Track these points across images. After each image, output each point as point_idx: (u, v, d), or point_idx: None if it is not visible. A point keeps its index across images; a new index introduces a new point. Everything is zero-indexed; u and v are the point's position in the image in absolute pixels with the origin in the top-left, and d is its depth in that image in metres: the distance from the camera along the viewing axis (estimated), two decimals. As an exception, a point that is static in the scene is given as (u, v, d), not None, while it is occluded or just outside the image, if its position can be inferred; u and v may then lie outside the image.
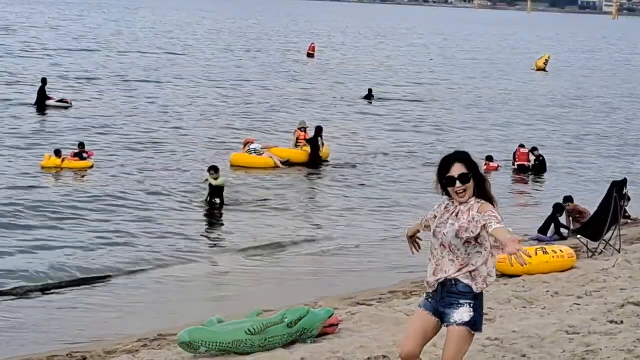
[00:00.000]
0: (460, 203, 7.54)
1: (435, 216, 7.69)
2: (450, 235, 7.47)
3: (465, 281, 7.44)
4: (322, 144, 32.16)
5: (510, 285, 15.55)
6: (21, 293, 16.19)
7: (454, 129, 40.83)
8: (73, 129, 35.05)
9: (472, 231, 7.40)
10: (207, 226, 22.74)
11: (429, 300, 7.62)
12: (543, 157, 32.55)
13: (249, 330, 11.60)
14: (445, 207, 7.65)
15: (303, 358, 10.75)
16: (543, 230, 22.27)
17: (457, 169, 7.52)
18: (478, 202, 7.49)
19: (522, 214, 25.40)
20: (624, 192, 19.63)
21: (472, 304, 7.46)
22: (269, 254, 20.00)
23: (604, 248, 19.33)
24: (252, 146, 31.80)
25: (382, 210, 24.89)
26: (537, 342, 10.87)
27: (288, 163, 31.35)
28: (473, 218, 7.41)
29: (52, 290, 16.51)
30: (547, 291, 14.71)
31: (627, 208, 22.56)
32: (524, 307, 13.57)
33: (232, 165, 30.86)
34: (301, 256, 20.03)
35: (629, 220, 23.92)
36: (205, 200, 24.36)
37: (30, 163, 28.39)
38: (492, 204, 7.52)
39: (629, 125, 45.33)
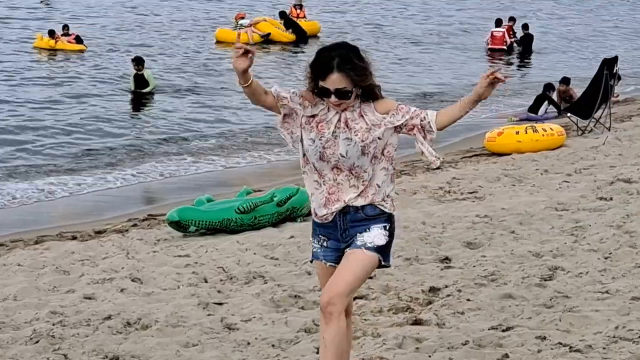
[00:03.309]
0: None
1: (295, 112, 5.60)
2: (355, 154, 5.52)
3: (374, 204, 5.62)
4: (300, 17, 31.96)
5: (500, 164, 15.55)
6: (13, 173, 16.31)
7: None
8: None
9: (379, 137, 5.53)
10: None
11: (326, 245, 5.71)
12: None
13: (238, 209, 11.59)
14: (321, 115, 5.57)
15: (293, 236, 10.76)
16: (533, 109, 22.21)
17: (334, 82, 5.43)
18: (367, 102, 5.57)
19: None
20: (614, 71, 19.49)
21: (387, 227, 5.63)
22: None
23: (594, 126, 19.29)
24: (241, 21, 31.63)
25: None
26: (527, 219, 10.89)
27: (268, 39, 31.13)
28: (375, 124, 5.53)
29: (43, 173, 16.60)
30: (537, 169, 14.71)
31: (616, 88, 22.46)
32: (514, 185, 13.58)
33: (217, 42, 30.87)
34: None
35: (619, 99, 23.83)
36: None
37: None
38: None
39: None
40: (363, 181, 5.58)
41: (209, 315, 7.92)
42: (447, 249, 9.71)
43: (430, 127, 5.54)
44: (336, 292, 5.51)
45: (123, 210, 14.15)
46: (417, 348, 6.88)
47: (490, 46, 32.24)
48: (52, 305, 8.27)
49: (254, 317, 7.81)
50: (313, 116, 5.59)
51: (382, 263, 5.63)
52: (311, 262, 5.90)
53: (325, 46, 5.56)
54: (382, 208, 5.61)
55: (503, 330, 7.18)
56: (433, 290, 8.31)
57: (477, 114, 22.94)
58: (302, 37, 31.61)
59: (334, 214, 5.61)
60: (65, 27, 29.29)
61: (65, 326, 7.64)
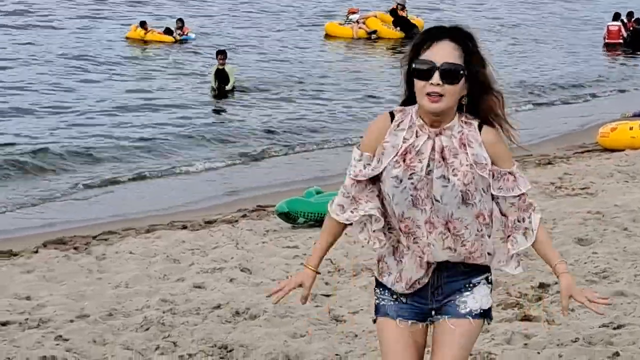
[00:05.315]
0: (434, 125, 4.09)
1: (362, 177, 4.20)
2: (452, 201, 4.13)
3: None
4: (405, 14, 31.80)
5: (613, 160, 15.28)
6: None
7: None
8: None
9: (485, 189, 4.18)
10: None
11: (404, 300, 4.31)
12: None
13: (347, 201, 11.59)
14: (406, 144, 4.12)
15: (401, 229, 10.73)
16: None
17: (443, 52, 4.04)
18: (469, 123, 4.14)
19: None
20: None
21: (490, 279, 4.36)
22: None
23: None
24: (351, 16, 31.68)
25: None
26: (640, 217, 10.70)
27: (376, 36, 31.07)
28: (479, 162, 4.12)
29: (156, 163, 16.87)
30: (651, 165, 14.45)
31: None
32: (627, 181, 13.34)
33: (326, 35, 31.02)
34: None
35: None
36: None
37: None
38: (504, 134, 4.20)
39: None
40: (463, 242, 4.19)
41: (316, 306, 7.95)
42: (557, 245, 9.57)
43: (525, 237, 4.43)
44: None
45: (231, 200, 14.36)
46: (525, 344, 6.81)
47: (607, 40, 31.84)
48: (162, 293, 8.40)
49: (362, 310, 7.82)
50: (394, 147, 4.14)
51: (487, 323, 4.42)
52: (374, 321, 4.39)
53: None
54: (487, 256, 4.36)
55: (614, 328, 7.07)
56: (543, 286, 8.21)
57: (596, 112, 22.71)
58: (412, 34, 31.57)
59: (423, 281, 4.26)
60: (180, 20, 29.66)
61: (175, 314, 7.76)
